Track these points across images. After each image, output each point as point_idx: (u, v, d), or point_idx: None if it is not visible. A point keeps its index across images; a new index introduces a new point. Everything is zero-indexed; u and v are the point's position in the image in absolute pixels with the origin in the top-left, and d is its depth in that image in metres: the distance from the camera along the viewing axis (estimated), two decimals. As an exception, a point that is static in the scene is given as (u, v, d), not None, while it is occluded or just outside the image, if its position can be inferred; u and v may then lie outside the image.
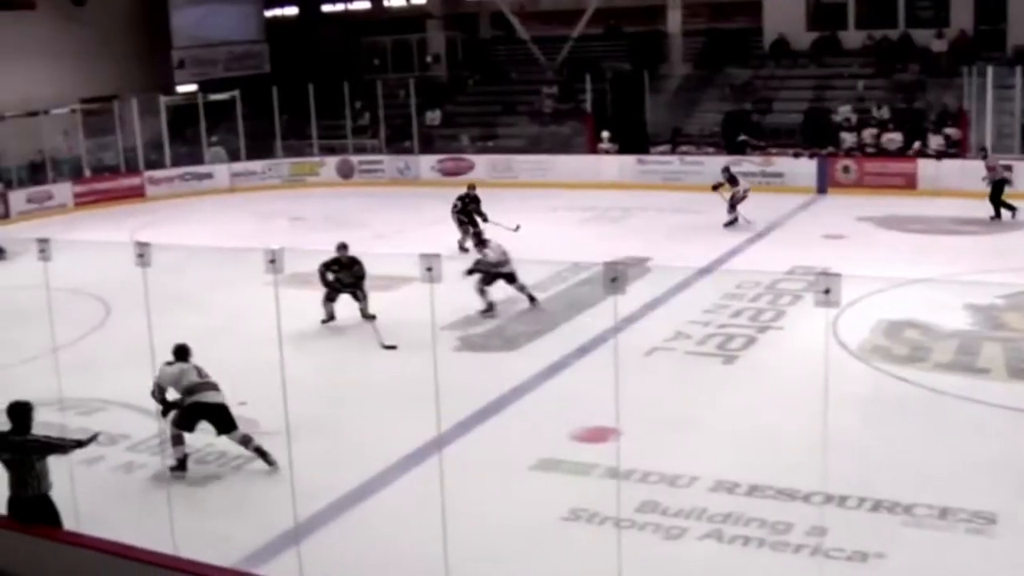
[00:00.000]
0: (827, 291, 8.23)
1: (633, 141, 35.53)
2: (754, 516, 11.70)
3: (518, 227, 24.64)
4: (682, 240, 25.99)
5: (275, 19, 47.01)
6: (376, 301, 21.10)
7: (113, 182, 37.42)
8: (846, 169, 32.03)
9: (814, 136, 33.74)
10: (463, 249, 24.60)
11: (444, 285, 9.05)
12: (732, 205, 27.40)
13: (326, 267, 19.45)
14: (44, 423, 12.06)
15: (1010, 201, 26.98)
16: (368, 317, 19.25)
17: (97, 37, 39.48)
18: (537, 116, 39.63)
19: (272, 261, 9.99)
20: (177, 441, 13.83)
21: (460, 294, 19.40)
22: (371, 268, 22.71)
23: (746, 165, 32.65)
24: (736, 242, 25.26)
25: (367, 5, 47.74)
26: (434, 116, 40.67)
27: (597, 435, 13.77)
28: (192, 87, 41.40)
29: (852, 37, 37.89)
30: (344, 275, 19.35)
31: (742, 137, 34.17)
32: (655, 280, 21.39)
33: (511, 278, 20.40)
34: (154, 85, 39.99)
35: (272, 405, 11.15)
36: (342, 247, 19.43)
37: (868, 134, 33.33)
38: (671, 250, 24.51)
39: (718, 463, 13.08)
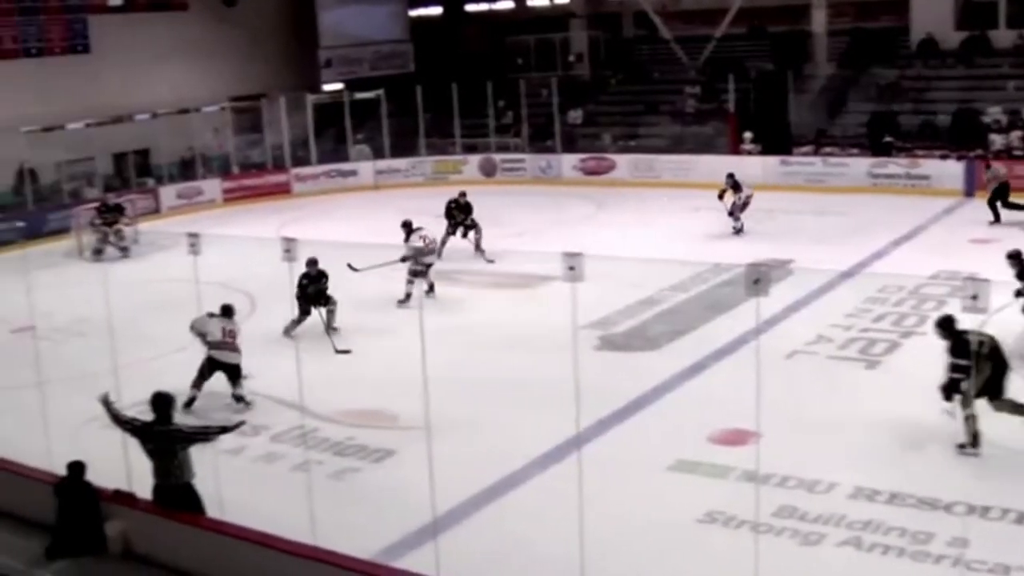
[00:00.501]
0: (975, 297, 8.12)
1: (776, 142, 35.12)
2: (894, 524, 11.58)
3: (492, 261, 24.93)
4: (825, 242, 25.62)
5: (420, 19, 47.45)
6: (515, 299, 21.30)
7: (260, 179, 38.15)
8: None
9: (962, 138, 33.03)
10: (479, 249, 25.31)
11: (584, 283, 9.09)
12: (731, 212, 27.15)
13: (299, 282, 19.74)
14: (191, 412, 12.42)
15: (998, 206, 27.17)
16: (332, 328, 19.50)
17: (247, 37, 40.38)
18: (679, 116, 39.39)
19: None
20: (194, 384, 16.15)
21: (603, 293, 19.47)
22: (512, 266, 22.94)
23: (892, 167, 32.20)
24: (879, 245, 24.86)
25: (511, 5, 47.93)
26: (576, 115, 40.71)
27: (736, 438, 13.73)
28: (338, 86, 42.02)
29: (1003, 36, 36.99)
30: (312, 288, 19.46)
31: (888, 138, 33.63)
32: (797, 282, 21.21)
33: (428, 268, 21.64)
34: (301, 84, 40.74)
35: (413, 400, 11.31)
36: (311, 262, 19.42)
37: (1015, 136, 32.54)
38: (813, 252, 24.21)
39: (858, 469, 12.96)
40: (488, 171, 38.71)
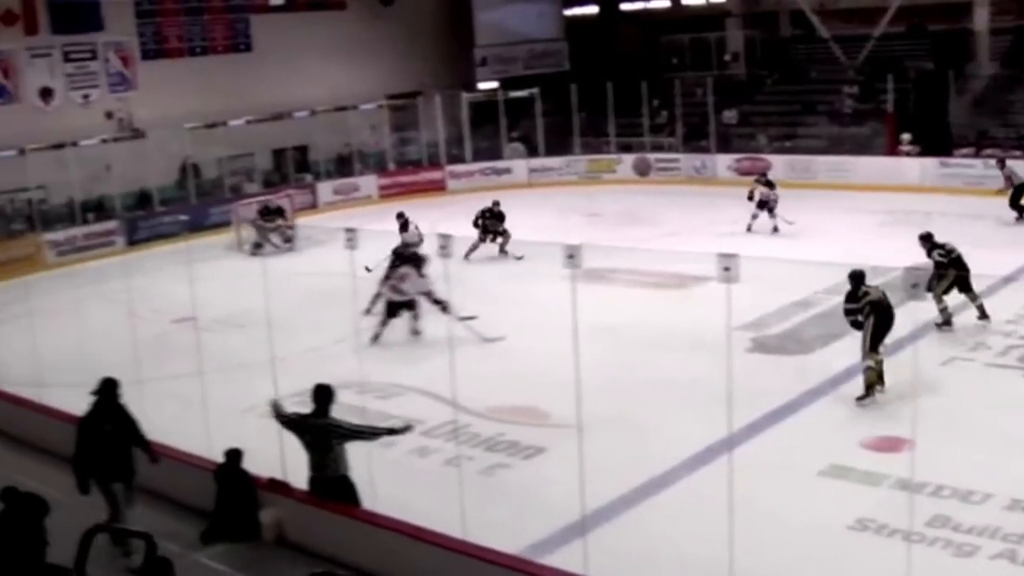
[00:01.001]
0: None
1: (935, 143, 34.46)
2: (1052, 538, 11.32)
3: (521, 257, 26.07)
4: (984, 247, 24.93)
5: (574, 18, 47.51)
6: (668, 299, 21.25)
7: (415, 175, 38.72)
8: None
9: None
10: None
11: (738, 284, 9.05)
12: (769, 209, 27.77)
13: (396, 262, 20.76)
14: (346, 405, 12.61)
15: None
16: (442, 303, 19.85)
17: (404, 35, 40.94)
18: (837, 116, 38.86)
19: (570, 256, 10.19)
20: (381, 322, 19.31)
21: (757, 294, 19.30)
22: (664, 266, 22.82)
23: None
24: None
25: (666, 3, 47.67)
26: (731, 115, 40.38)
27: (889, 444, 13.55)
28: (493, 84, 42.40)
29: None
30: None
31: (1051, 141, 32.81)
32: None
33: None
34: (456, 82, 41.19)
35: (563, 398, 11.36)
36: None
37: None
38: (973, 257, 23.64)
39: (1015, 480, 12.67)
40: (642, 170, 38.68)
